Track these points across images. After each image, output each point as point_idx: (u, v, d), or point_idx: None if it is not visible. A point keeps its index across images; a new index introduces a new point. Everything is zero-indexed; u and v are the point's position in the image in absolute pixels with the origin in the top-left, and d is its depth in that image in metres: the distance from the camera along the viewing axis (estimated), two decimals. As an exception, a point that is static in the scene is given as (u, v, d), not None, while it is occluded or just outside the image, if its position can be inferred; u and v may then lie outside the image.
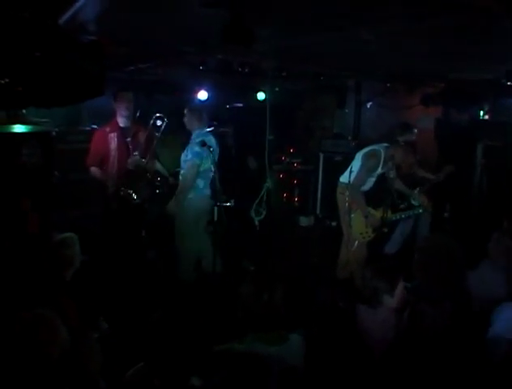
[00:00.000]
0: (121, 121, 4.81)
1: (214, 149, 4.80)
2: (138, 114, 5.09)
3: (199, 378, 2.29)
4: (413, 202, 5.23)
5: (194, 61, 4.87)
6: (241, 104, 7.58)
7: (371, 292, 2.92)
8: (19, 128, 3.97)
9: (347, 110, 7.63)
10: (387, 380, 2.61)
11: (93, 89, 2.68)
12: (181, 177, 4.93)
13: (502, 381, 2.41)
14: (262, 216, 5.27)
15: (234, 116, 7.49)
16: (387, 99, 6.85)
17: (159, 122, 4.88)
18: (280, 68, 5.37)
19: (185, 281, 4.87)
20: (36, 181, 3.89)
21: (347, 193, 5.02)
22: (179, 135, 5.55)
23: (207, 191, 5.03)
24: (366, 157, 4.96)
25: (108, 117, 4.98)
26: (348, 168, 5.09)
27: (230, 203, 5.18)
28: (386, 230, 5.06)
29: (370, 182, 5.05)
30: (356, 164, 5.03)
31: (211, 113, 6.82)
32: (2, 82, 2.33)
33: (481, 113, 6.50)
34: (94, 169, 4.75)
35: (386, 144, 5.00)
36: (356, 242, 5.02)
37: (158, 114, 4.87)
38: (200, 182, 4.95)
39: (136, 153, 4.74)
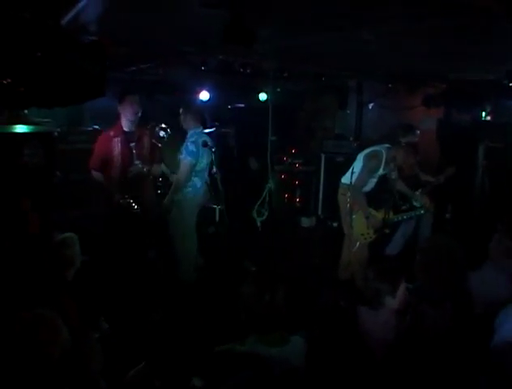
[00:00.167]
0: (126, 126, 4.68)
1: (196, 149, 4.82)
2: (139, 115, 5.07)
3: (200, 379, 2.29)
4: (415, 203, 5.23)
5: (195, 62, 4.88)
6: (242, 105, 7.59)
7: (373, 293, 2.92)
8: (20, 128, 3.96)
9: (348, 111, 7.63)
10: (389, 381, 2.60)
11: (94, 89, 2.68)
12: (175, 176, 4.93)
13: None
14: (264, 217, 5.28)
15: (236, 116, 7.50)
16: (389, 100, 6.84)
17: (162, 133, 4.81)
18: (282, 69, 5.38)
19: (185, 282, 4.87)
20: (38, 181, 3.89)
21: (348, 194, 5.02)
22: (180, 135, 5.55)
23: (203, 190, 5.02)
24: (368, 158, 4.95)
25: (110, 118, 4.96)
26: (350, 169, 5.09)
27: (220, 206, 5.21)
28: (387, 231, 5.05)
29: (372, 183, 5.05)
30: (358, 165, 5.02)
31: (213, 114, 6.85)
32: (4, 82, 2.33)
33: (483, 114, 6.50)
34: (96, 174, 4.68)
35: (387, 145, 5.00)
36: (358, 243, 5.01)
37: (163, 125, 4.79)
38: (197, 182, 4.97)
39: (137, 162, 4.63)
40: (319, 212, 7.32)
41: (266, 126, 4.95)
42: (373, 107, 7.27)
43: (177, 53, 4.47)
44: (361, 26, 3.12)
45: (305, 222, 7.31)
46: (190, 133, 4.91)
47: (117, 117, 4.74)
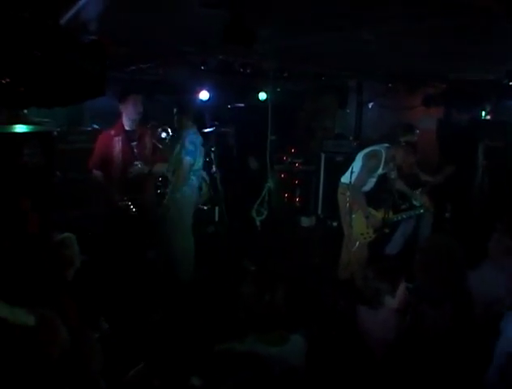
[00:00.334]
0: (127, 125, 4.65)
1: (199, 149, 4.83)
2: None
3: (199, 378, 2.29)
4: (414, 202, 5.23)
5: (195, 62, 4.87)
6: (242, 105, 7.59)
7: (372, 292, 2.92)
8: (20, 128, 3.97)
9: (348, 111, 7.63)
10: (388, 381, 2.60)
11: (94, 89, 2.67)
12: (173, 175, 4.92)
13: None
14: (264, 216, 5.28)
15: (235, 116, 7.50)
16: (388, 99, 6.84)
17: (164, 134, 4.77)
18: (281, 68, 5.38)
19: (185, 281, 4.87)
20: (37, 181, 3.89)
21: (348, 193, 5.02)
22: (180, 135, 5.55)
23: (198, 189, 5.07)
24: (367, 158, 4.95)
25: (109, 118, 4.95)
26: (349, 169, 5.09)
27: (207, 206, 5.23)
28: (387, 231, 5.06)
29: (371, 183, 5.05)
30: (357, 164, 5.02)
31: (213, 113, 6.85)
32: (4, 82, 2.33)
33: (483, 113, 6.50)
34: (96, 173, 4.65)
35: (386, 145, 5.00)
36: (357, 243, 5.01)
37: (165, 126, 4.74)
38: (195, 181, 4.99)
39: (137, 163, 4.59)
40: (319, 212, 7.33)
41: (265, 126, 4.94)
42: (372, 106, 7.28)
43: (177, 53, 4.46)
44: (361, 26, 3.12)
45: (305, 221, 7.32)
46: (186, 133, 4.90)
47: (118, 117, 4.70)
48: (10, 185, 3.64)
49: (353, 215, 5.01)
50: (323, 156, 7.27)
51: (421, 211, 5.14)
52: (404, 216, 5.13)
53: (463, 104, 6.01)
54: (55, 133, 4.60)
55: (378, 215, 4.93)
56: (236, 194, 6.40)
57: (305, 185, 7.50)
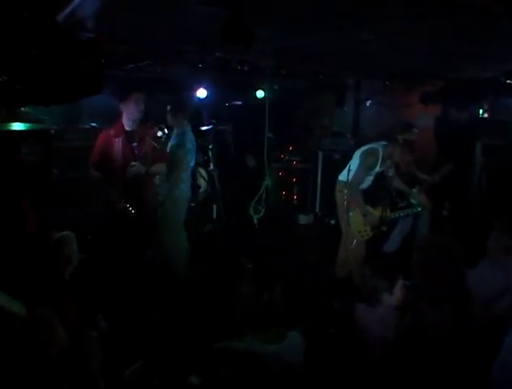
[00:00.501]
0: (128, 125, 4.52)
1: (192, 147, 4.81)
2: None
3: (198, 377, 2.29)
4: (412, 200, 5.23)
5: (193, 60, 4.86)
6: (240, 102, 7.58)
7: (370, 290, 2.93)
8: (17, 126, 3.96)
9: (346, 109, 7.62)
10: (386, 379, 2.61)
11: (91, 87, 2.67)
12: (171, 174, 4.90)
13: None
14: (261, 214, 5.28)
15: (233, 114, 7.49)
16: (386, 97, 6.84)
17: (159, 133, 4.68)
18: (280, 66, 5.37)
19: (180, 277, 4.88)
20: (35, 179, 3.88)
21: (345, 191, 5.02)
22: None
23: (190, 186, 5.10)
24: (364, 155, 4.96)
25: (107, 116, 4.93)
26: (347, 167, 5.09)
27: (193, 204, 5.21)
28: (384, 229, 5.06)
29: (369, 181, 5.05)
30: (355, 162, 5.03)
31: (210, 111, 6.84)
32: (1, 80, 2.32)
33: (480, 111, 6.50)
34: (96, 174, 4.54)
35: (384, 142, 5.00)
36: (355, 241, 5.02)
37: (161, 125, 4.66)
38: (188, 178, 5.01)
39: (134, 163, 4.48)
40: (317, 210, 7.33)
41: (263, 124, 4.94)
42: (370, 104, 7.27)
43: (175, 51, 4.45)
44: (361, 26, 3.12)
45: (303, 219, 7.32)
46: (183, 131, 4.88)
47: (118, 116, 4.59)
48: (7, 184, 3.64)
49: (351, 213, 5.02)
50: (321, 153, 7.28)
51: (419, 209, 5.15)
52: (402, 214, 5.13)
53: (461, 102, 6.02)
54: (52, 131, 4.57)
55: (376, 213, 4.93)
56: (233, 192, 6.39)
57: (303, 183, 7.50)
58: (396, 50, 4.02)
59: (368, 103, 7.31)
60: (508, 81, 4.76)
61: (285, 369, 2.33)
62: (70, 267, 3.25)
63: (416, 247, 3.13)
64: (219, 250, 5.67)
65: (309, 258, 5.89)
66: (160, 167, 4.82)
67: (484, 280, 3.14)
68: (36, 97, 2.61)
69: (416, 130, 5.55)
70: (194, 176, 5.60)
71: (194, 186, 5.76)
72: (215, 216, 5.96)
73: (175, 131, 4.98)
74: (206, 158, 5.94)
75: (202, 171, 6.10)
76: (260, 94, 6.94)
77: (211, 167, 5.72)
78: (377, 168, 4.98)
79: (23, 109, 4.04)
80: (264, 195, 5.16)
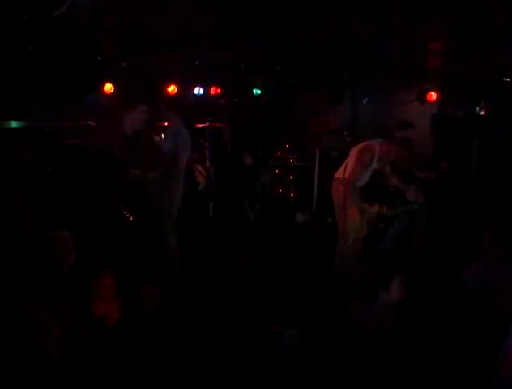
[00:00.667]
0: (127, 129, 4.51)
1: (187, 145, 4.79)
2: None
3: (196, 374, 2.29)
4: (409, 198, 5.23)
5: (189, 57, 4.85)
6: (236, 100, 7.55)
7: (367, 287, 2.93)
8: (11, 124, 3.94)
9: (343, 106, 7.61)
10: (384, 376, 2.61)
11: (87, 84, 2.66)
12: (167, 175, 4.88)
13: None
14: (257, 212, 5.27)
15: (229, 111, 7.46)
16: (383, 94, 6.84)
17: (158, 138, 4.65)
18: (275, 63, 5.36)
19: (175, 275, 4.87)
20: (29, 176, 3.86)
21: (342, 188, 5.01)
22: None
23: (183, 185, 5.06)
24: (360, 152, 4.95)
25: (103, 114, 4.90)
26: (343, 164, 5.09)
27: (190, 201, 5.18)
28: (381, 226, 5.06)
29: (365, 178, 5.04)
30: (351, 159, 5.02)
31: (206, 108, 6.82)
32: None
33: (477, 109, 6.51)
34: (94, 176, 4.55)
35: (380, 140, 5.00)
36: (352, 238, 5.01)
37: (159, 128, 4.62)
38: (182, 177, 4.97)
39: (136, 166, 4.46)
40: (314, 207, 7.32)
41: (259, 121, 4.93)
42: (367, 101, 7.27)
43: (171, 48, 4.44)
44: (357, 21, 3.11)
45: (300, 217, 7.31)
46: (177, 131, 4.86)
47: (117, 116, 4.57)
48: (2, 182, 3.62)
49: (347, 211, 5.01)
50: (318, 151, 7.27)
51: (416, 206, 5.14)
52: (399, 211, 5.13)
53: (457, 100, 6.03)
54: (47, 128, 4.55)
55: (373, 210, 4.93)
56: (230, 190, 6.38)
57: (300, 180, 7.49)
58: (392, 46, 4.02)
59: (365, 100, 7.31)
60: (504, 79, 4.76)
61: (282, 366, 2.33)
62: (66, 265, 3.23)
63: (412, 244, 3.14)
64: (216, 247, 5.66)
65: (306, 256, 5.88)
66: (159, 172, 4.81)
67: (480, 277, 3.15)
68: (32, 95, 2.60)
69: (413, 127, 5.55)
70: (191, 173, 5.58)
71: (193, 183, 5.74)
72: (211, 214, 5.95)
73: (170, 130, 4.97)
74: (202, 155, 5.93)
75: (200, 167, 6.08)
76: (256, 91, 6.93)
77: (208, 164, 5.72)
78: (374, 165, 4.97)
79: (18, 107, 4.02)
80: (260, 193, 5.14)
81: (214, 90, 6.64)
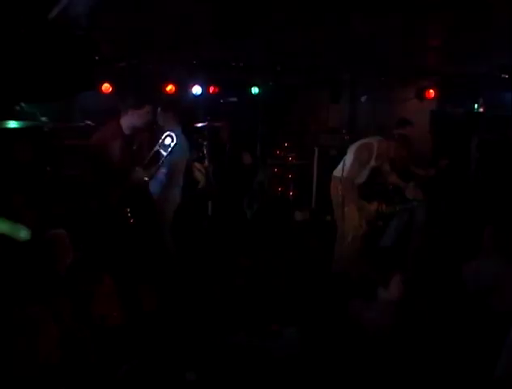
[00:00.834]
0: (127, 129, 4.27)
1: (185, 147, 4.79)
2: None
3: (193, 373, 2.30)
4: (408, 195, 5.23)
5: (187, 56, 4.84)
6: (235, 99, 7.55)
7: (366, 285, 2.94)
8: (11, 124, 3.94)
9: (341, 104, 7.62)
10: (383, 374, 2.61)
11: (84, 84, 2.66)
12: (166, 177, 4.88)
13: None
14: (254, 210, 5.27)
15: (228, 110, 7.47)
16: (382, 93, 6.85)
17: (168, 141, 4.49)
18: (274, 63, 5.36)
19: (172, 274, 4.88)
20: (29, 177, 3.87)
21: (340, 187, 5.02)
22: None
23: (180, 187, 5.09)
24: (359, 150, 4.95)
25: (103, 114, 4.87)
26: (342, 162, 5.09)
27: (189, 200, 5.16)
28: (380, 223, 5.06)
29: (364, 175, 5.05)
30: (349, 157, 5.02)
31: (205, 108, 6.83)
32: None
33: (476, 106, 6.51)
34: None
35: (379, 137, 5.00)
36: (351, 236, 5.02)
37: (169, 132, 4.50)
38: (181, 180, 4.99)
39: (138, 168, 4.28)
40: (313, 206, 7.33)
41: (258, 120, 4.93)
42: (366, 100, 7.28)
43: (170, 48, 4.44)
44: (357, 20, 3.11)
45: (299, 215, 7.32)
46: (175, 133, 4.85)
47: (116, 117, 4.33)
48: (1, 182, 3.62)
49: (346, 208, 5.01)
50: (317, 149, 7.28)
51: (415, 204, 5.15)
52: (398, 209, 5.14)
53: (456, 97, 6.04)
54: (46, 129, 4.54)
55: (371, 207, 4.94)
56: (229, 189, 6.39)
57: (299, 179, 7.50)
58: (392, 45, 4.02)
59: (363, 99, 7.32)
60: (503, 75, 4.76)
61: (281, 365, 2.34)
62: (64, 264, 3.24)
63: (411, 242, 3.14)
64: (214, 246, 5.67)
65: (305, 254, 5.89)
66: (163, 174, 4.78)
67: (480, 274, 3.15)
68: (30, 95, 2.61)
69: (411, 125, 5.56)
70: (190, 172, 5.57)
71: (192, 182, 5.74)
72: (210, 213, 5.96)
73: (167, 133, 4.94)
74: (201, 155, 5.93)
75: (198, 166, 6.08)
76: (255, 90, 6.93)
77: (206, 163, 5.72)
78: (372, 163, 4.97)
79: (16, 106, 4.02)
80: (258, 191, 5.14)
81: (212, 89, 6.65)
